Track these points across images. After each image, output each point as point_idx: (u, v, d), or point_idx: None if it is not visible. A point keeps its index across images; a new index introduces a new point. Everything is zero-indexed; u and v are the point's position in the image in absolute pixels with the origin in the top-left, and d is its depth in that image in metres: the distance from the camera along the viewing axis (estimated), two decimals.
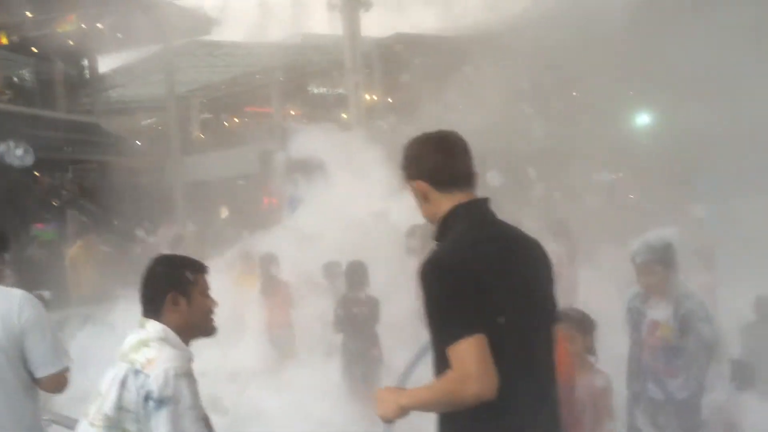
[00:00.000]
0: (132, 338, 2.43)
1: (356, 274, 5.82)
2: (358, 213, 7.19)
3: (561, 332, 2.95)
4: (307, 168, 7.86)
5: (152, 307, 2.45)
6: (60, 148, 18.93)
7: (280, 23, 26.84)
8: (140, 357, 2.33)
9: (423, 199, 2.27)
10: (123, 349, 2.42)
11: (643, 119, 15.11)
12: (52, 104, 22.23)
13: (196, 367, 2.42)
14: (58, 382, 2.91)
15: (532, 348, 2.11)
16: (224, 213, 18.38)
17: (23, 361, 2.83)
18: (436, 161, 2.23)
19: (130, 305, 2.89)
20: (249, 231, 8.84)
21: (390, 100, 20.79)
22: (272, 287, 6.63)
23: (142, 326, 2.45)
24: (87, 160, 20.81)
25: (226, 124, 34.16)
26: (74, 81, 24.67)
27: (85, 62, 24.20)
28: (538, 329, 2.16)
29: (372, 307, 5.81)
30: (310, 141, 8.13)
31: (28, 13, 19.18)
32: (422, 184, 2.25)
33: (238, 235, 9.71)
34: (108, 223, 16.60)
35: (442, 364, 2.05)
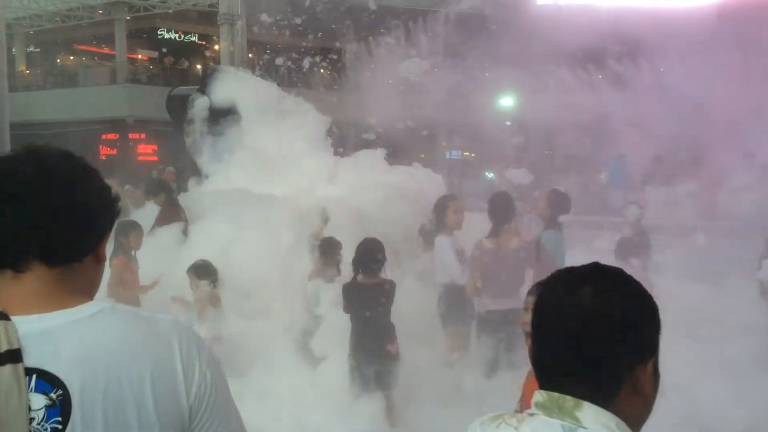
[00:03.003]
0: None
1: (369, 253, 4.70)
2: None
3: None
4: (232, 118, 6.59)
5: (600, 383, 1.20)
6: None
7: None
8: None
9: None
10: None
11: (505, 102, 15.65)
12: None
13: None
14: None
15: None
16: None
17: None
18: None
19: None
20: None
21: (250, 55, 19.72)
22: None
23: (564, 413, 1.20)
24: None
25: (58, 61, 30.83)
26: None
27: None
28: None
29: (389, 294, 4.72)
30: (233, 87, 6.86)
31: None
32: None
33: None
34: None
35: None
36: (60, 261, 1.28)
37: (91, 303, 1.28)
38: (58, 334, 1.21)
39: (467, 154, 24.16)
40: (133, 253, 5.62)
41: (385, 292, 4.70)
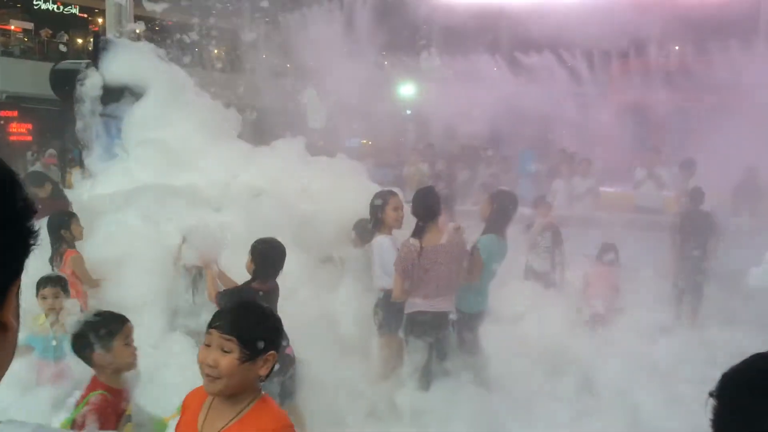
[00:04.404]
0: None
1: (273, 258, 4.15)
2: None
3: None
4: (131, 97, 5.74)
5: None
6: None
7: None
8: None
9: None
10: None
11: (405, 90, 15.46)
12: None
13: None
14: None
15: None
16: None
17: None
18: None
19: None
20: None
21: (137, 31, 18.47)
22: None
23: None
24: None
25: None
26: None
27: None
28: None
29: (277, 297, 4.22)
30: (131, 63, 5.99)
31: None
32: None
33: None
34: None
35: None
36: None
37: None
38: None
39: (365, 142, 23.96)
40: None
41: (276, 296, 4.21)
